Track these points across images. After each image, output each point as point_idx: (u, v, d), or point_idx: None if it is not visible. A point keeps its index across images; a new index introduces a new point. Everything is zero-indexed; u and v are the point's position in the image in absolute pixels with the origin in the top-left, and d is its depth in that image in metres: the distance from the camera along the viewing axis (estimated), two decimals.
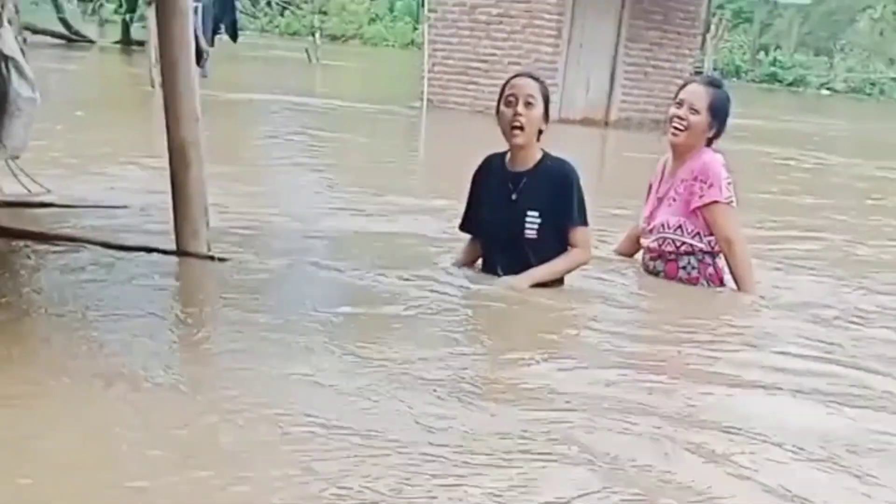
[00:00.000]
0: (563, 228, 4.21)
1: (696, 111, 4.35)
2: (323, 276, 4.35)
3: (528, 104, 4.13)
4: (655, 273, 4.56)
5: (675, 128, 4.38)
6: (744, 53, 33.89)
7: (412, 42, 32.92)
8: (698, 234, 4.40)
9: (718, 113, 4.38)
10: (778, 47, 34.96)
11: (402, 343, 3.37)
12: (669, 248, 4.47)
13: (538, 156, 4.24)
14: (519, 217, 4.19)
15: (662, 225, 4.46)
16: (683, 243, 4.43)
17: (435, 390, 2.91)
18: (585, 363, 3.30)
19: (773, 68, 32.66)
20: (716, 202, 4.31)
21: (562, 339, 3.69)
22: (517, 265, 4.20)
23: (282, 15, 33.77)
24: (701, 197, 4.33)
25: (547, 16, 13.76)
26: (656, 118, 13.71)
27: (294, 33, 32.68)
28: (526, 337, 3.62)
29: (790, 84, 31.72)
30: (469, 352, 3.34)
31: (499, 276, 4.22)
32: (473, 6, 14.33)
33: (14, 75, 5.40)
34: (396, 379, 2.99)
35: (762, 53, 33.69)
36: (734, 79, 30.55)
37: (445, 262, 4.50)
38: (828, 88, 31.58)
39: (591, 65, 14.22)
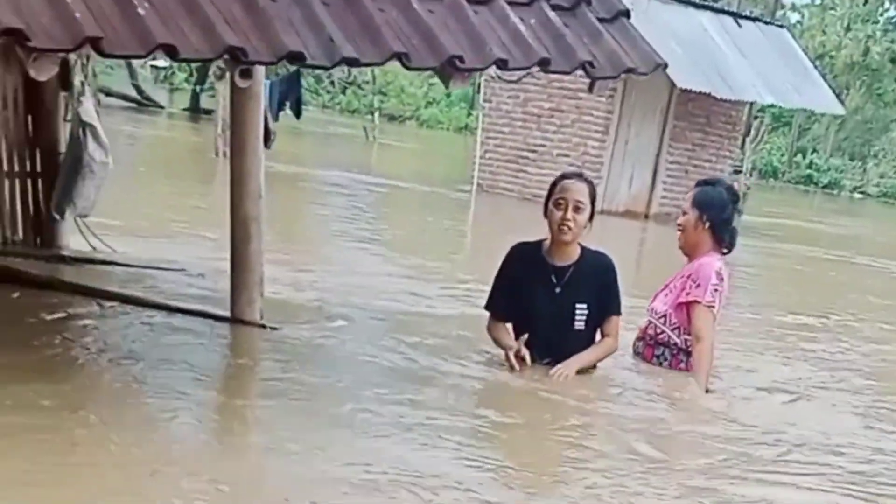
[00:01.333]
0: (604, 318, 4.46)
1: (685, 212, 4.71)
2: (366, 354, 4.53)
3: (577, 209, 4.29)
4: (637, 353, 4.84)
5: (678, 233, 4.76)
6: (782, 155, 34.39)
7: (466, 126, 33.46)
8: (678, 328, 4.65)
9: (703, 205, 4.64)
10: (815, 151, 35.50)
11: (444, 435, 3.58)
12: (651, 332, 4.76)
13: (578, 250, 4.42)
14: (567, 309, 4.38)
15: (653, 310, 4.77)
16: (663, 332, 4.70)
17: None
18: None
19: (809, 171, 33.16)
20: (697, 302, 4.55)
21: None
22: (557, 351, 4.37)
23: (343, 93, 34.70)
24: (687, 294, 4.59)
25: (596, 113, 14.49)
26: None
27: (354, 111, 33.53)
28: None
29: (825, 186, 32.28)
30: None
31: (532, 358, 4.34)
32: (527, 99, 15.07)
33: (90, 140, 5.64)
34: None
35: (799, 156, 34.18)
36: (772, 179, 31.20)
37: (488, 348, 4.61)
38: (861, 192, 32.07)
39: (635, 161, 14.90)
